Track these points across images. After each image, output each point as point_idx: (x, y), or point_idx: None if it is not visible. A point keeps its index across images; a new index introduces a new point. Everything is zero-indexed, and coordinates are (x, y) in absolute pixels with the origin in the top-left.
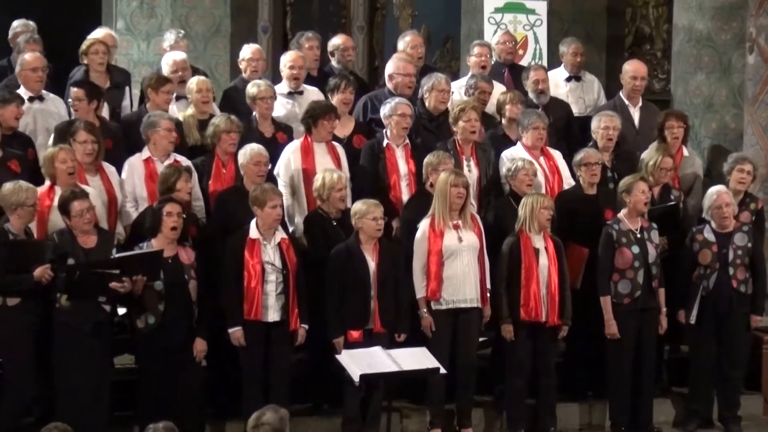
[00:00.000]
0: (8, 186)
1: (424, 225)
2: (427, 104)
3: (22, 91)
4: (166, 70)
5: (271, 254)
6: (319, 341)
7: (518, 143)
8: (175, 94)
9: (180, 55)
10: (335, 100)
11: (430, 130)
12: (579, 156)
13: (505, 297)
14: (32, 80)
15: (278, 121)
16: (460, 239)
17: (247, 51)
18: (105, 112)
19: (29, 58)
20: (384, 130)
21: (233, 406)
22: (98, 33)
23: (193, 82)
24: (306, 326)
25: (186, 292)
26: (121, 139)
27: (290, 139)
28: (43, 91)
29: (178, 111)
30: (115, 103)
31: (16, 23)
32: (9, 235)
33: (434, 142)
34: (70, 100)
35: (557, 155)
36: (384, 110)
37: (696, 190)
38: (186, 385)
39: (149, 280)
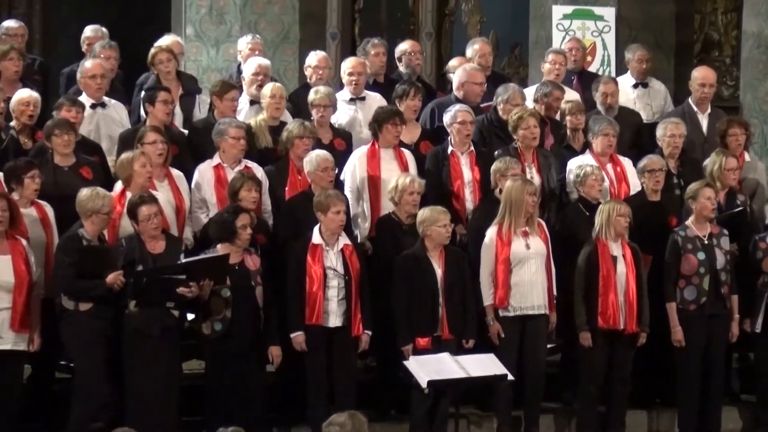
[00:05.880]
0: (85, 192)
1: (491, 232)
2: (500, 113)
3: (84, 98)
4: (249, 72)
5: (333, 260)
6: (387, 347)
7: (586, 151)
8: (249, 99)
9: (266, 61)
10: (403, 106)
11: (501, 138)
12: (643, 162)
13: (582, 305)
14: (91, 88)
15: (336, 128)
16: (527, 246)
17: (313, 58)
18: (178, 120)
19: (89, 65)
20: (448, 138)
21: (299, 411)
22: (165, 40)
23: (268, 87)
24: (369, 332)
25: (253, 298)
26: (186, 146)
27: (348, 145)
28: (105, 98)
29: (249, 116)
30: (187, 111)
31: (88, 30)
32: (83, 240)
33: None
34: (146, 104)
35: (626, 162)
36: (445, 118)
37: (759, 195)
38: (252, 391)
39: (216, 284)
